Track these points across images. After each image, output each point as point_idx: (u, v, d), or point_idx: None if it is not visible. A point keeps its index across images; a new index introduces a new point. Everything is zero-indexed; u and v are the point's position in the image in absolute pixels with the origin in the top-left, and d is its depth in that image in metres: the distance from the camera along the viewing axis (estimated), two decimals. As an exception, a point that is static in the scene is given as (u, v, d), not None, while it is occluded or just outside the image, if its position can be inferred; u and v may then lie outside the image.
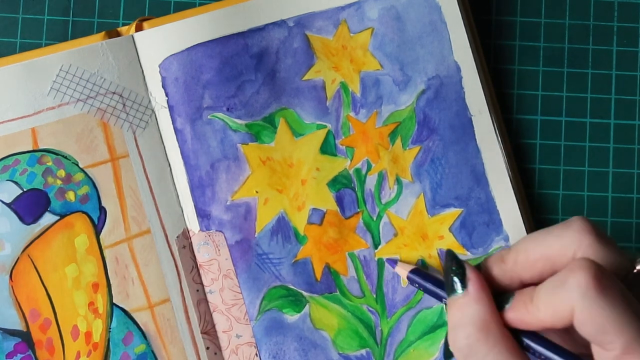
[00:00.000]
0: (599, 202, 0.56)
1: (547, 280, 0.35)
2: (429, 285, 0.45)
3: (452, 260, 0.38)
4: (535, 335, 0.36)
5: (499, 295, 0.37)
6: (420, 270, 0.48)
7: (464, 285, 0.37)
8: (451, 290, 0.37)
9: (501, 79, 0.57)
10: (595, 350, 0.34)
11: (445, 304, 0.43)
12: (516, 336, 0.36)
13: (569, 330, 0.35)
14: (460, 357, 0.36)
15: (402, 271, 0.49)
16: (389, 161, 0.54)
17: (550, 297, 0.34)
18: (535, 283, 0.36)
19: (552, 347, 0.36)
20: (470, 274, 0.37)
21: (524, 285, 0.37)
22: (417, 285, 0.47)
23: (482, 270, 0.38)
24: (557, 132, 0.56)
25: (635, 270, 0.36)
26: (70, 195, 0.52)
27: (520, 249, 0.37)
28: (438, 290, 0.45)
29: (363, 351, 0.53)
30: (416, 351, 0.53)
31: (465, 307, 0.36)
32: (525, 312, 0.35)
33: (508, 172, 0.54)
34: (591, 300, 0.32)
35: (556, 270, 0.35)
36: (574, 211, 0.56)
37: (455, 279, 0.37)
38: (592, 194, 0.56)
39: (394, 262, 0.52)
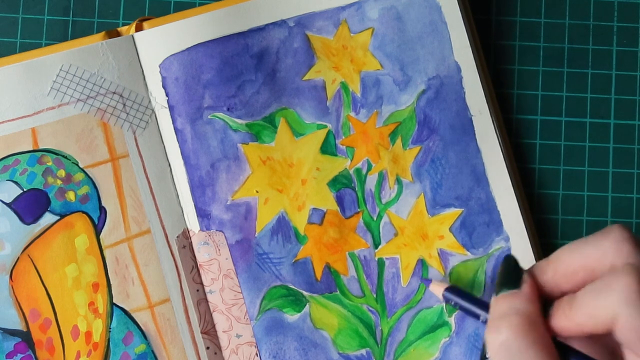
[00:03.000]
0: (599, 202, 0.56)
1: (588, 285, 0.34)
2: (465, 303, 0.46)
3: (510, 264, 0.38)
4: (576, 351, 0.36)
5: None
6: (456, 288, 0.48)
7: (517, 285, 0.36)
8: (503, 287, 0.37)
9: (501, 79, 0.57)
10: (631, 358, 0.34)
11: (483, 322, 0.43)
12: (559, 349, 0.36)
13: (598, 336, 0.35)
14: (497, 348, 0.35)
15: (438, 289, 0.49)
16: (389, 161, 0.54)
17: (591, 302, 0.34)
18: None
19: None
20: (526, 277, 0.37)
21: (563, 295, 0.37)
22: (453, 303, 0.47)
23: (522, 285, 0.38)
24: (557, 132, 0.56)
25: None
26: (70, 195, 0.52)
27: (559, 259, 0.37)
28: (475, 308, 0.45)
29: (363, 351, 0.53)
30: (416, 351, 0.53)
31: (514, 301, 0.36)
32: (564, 318, 0.35)
33: (508, 172, 0.54)
34: (635, 307, 0.32)
35: (596, 279, 0.35)
36: (574, 211, 0.56)
37: (510, 278, 0.37)
38: (592, 194, 0.56)
39: (428, 281, 0.52)
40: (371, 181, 0.54)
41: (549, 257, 0.37)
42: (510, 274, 0.37)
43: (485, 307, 0.43)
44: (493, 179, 0.54)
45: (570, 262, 0.36)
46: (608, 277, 0.33)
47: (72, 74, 0.52)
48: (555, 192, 0.56)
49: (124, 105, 0.53)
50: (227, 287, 0.52)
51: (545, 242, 0.55)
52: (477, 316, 0.44)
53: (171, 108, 0.53)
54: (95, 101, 0.53)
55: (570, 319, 0.35)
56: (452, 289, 0.48)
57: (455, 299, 0.47)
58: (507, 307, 0.36)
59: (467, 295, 0.46)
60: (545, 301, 0.37)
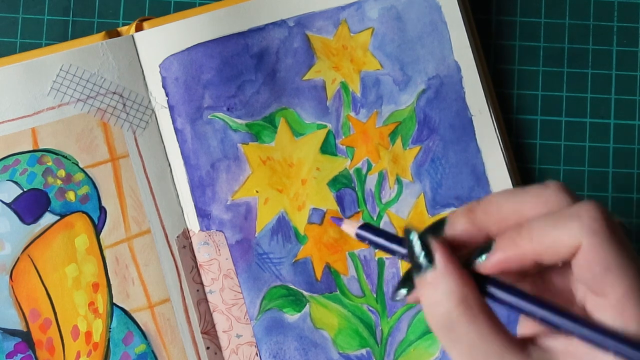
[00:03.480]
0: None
1: (549, 213, 0.33)
2: (380, 241, 0.38)
3: (412, 237, 0.35)
4: (504, 286, 0.34)
5: (472, 250, 0.35)
6: (371, 226, 0.39)
7: (430, 261, 0.34)
8: (418, 268, 0.34)
9: (501, 79, 0.57)
10: (589, 298, 0.33)
11: (401, 259, 0.38)
12: (482, 288, 0.34)
13: (542, 277, 0.34)
14: (442, 335, 0.34)
15: (350, 229, 0.40)
16: (389, 161, 0.54)
17: (552, 229, 0.32)
18: None
19: (522, 295, 0.34)
20: (435, 246, 0.34)
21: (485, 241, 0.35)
22: (367, 241, 0.39)
23: (446, 226, 0.35)
24: (557, 132, 0.56)
25: None
26: (71, 195, 0.52)
27: (492, 200, 0.35)
28: (391, 245, 0.38)
29: (363, 351, 0.53)
30: (416, 350, 0.53)
31: (437, 283, 0.34)
32: (514, 247, 0.33)
33: (508, 172, 0.54)
34: (601, 239, 0.31)
35: None
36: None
37: (421, 255, 0.34)
38: (592, 194, 0.56)
39: (339, 220, 0.46)
40: (371, 181, 0.54)
41: (480, 199, 0.35)
42: (417, 249, 0.34)
43: (401, 242, 0.38)
44: (493, 179, 0.54)
45: (504, 204, 0.34)
46: (576, 207, 0.32)
47: (72, 74, 0.52)
48: (555, 192, 0.56)
49: (124, 105, 0.53)
50: (227, 287, 0.52)
51: (545, 242, 0.55)
52: (393, 253, 0.38)
53: (171, 108, 0.53)
54: (95, 101, 0.53)
55: (522, 247, 0.33)
56: (367, 226, 0.39)
57: (370, 236, 0.39)
58: (433, 292, 0.34)
59: (383, 232, 0.39)
60: (481, 245, 0.35)
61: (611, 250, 0.31)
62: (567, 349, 0.33)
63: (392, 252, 0.38)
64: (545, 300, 0.34)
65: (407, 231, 0.35)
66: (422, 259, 0.34)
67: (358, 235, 0.39)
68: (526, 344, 0.34)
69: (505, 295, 0.34)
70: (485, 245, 0.34)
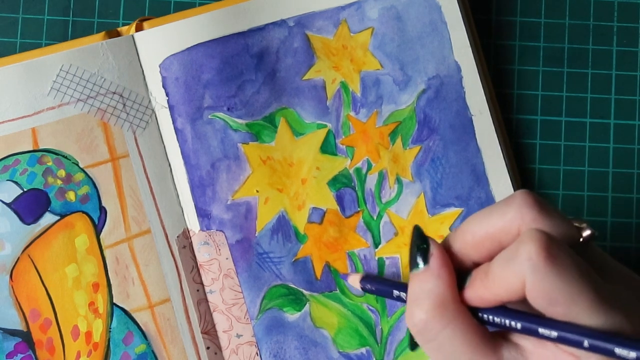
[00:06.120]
0: (599, 202, 0.56)
1: (500, 253, 0.34)
2: (381, 287, 0.42)
3: (417, 236, 0.37)
4: (494, 309, 0.35)
5: (459, 275, 0.36)
6: (371, 275, 0.44)
7: (425, 261, 0.36)
8: (414, 265, 0.36)
9: (501, 79, 0.57)
10: None
11: (402, 300, 0.40)
12: (476, 314, 0.35)
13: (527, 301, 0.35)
14: (415, 332, 0.35)
15: (355, 280, 0.44)
16: (389, 161, 0.54)
17: (502, 271, 0.33)
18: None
19: (511, 315, 0.35)
20: (434, 250, 0.36)
21: (477, 265, 0.36)
22: (369, 288, 0.43)
23: (431, 260, 0.37)
24: (557, 132, 0.56)
25: (581, 239, 0.35)
26: (71, 195, 0.52)
27: (466, 230, 0.36)
28: (390, 289, 0.41)
29: (363, 350, 0.53)
30: (416, 350, 0.53)
31: (424, 281, 0.35)
32: (481, 288, 0.34)
33: (508, 172, 0.54)
34: (541, 273, 0.32)
35: (504, 248, 0.34)
36: (574, 211, 0.56)
37: (419, 253, 0.36)
38: (592, 194, 0.56)
39: (345, 276, 0.50)
40: (371, 181, 0.54)
41: (457, 227, 0.37)
42: (417, 248, 0.36)
43: (403, 287, 0.40)
44: (493, 178, 0.54)
45: (475, 231, 0.36)
46: (515, 244, 0.33)
47: (72, 74, 0.52)
48: (555, 192, 0.56)
49: (124, 105, 0.53)
50: (228, 286, 0.52)
51: (545, 241, 0.55)
52: (392, 296, 0.41)
53: (171, 108, 0.53)
54: (95, 101, 0.53)
55: (487, 288, 0.34)
56: (368, 276, 0.43)
57: (373, 284, 0.42)
58: (417, 290, 0.35)
59: (384, 280, 0.42)
60: (464, 272, 0.36)
61: (553, 283, 0.32)
62: (536, 350, 0.34)
63: (391, 295, 0.41)
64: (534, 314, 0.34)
65: (417, 228, 0.37)
66: (419, 256, 0.36)
67: (362, 285, 0.43)
68: (499, 343, 0.35)
69: (499, 319, 0.35)
70: (461, 278, 0.36)
